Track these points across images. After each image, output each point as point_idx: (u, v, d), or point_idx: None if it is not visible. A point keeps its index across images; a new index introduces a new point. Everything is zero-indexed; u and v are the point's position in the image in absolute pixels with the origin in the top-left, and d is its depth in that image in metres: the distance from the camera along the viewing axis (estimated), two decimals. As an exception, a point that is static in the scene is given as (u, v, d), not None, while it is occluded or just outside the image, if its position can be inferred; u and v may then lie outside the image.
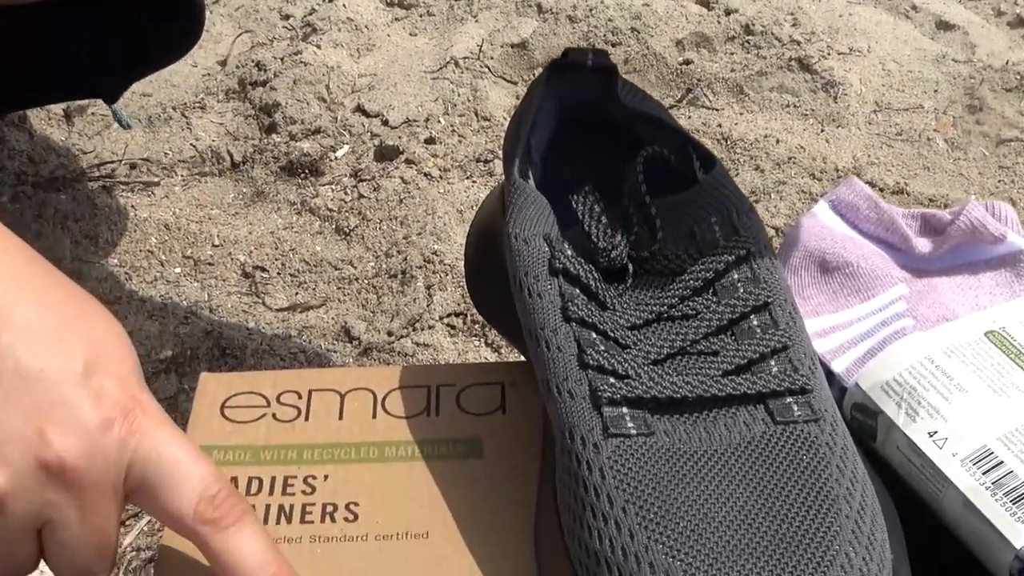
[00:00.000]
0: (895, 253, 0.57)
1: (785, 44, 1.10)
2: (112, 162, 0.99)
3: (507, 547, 0.45)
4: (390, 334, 0.82)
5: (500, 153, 0.93)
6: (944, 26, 1.15)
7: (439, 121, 1.02)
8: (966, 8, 1.18)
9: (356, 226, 0.91)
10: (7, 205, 0.93)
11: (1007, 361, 0.49)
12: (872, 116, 1.03)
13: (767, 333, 0.44)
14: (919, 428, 0.47)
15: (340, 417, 0.51)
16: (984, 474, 0.45)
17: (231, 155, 1.00)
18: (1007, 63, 1.09)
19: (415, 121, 1.02)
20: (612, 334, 0.44)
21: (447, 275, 0.86)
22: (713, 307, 0.44)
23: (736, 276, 0.45)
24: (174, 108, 1.05)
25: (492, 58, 1.10)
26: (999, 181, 0.96)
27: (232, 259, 0.89)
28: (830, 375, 0.51)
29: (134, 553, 0.65)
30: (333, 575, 0.44)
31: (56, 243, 0.90)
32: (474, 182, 0.96)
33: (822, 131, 1.01)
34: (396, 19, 1.15)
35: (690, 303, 0.45)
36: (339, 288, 0.87)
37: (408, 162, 0.97)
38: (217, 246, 0.91)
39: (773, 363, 0.43)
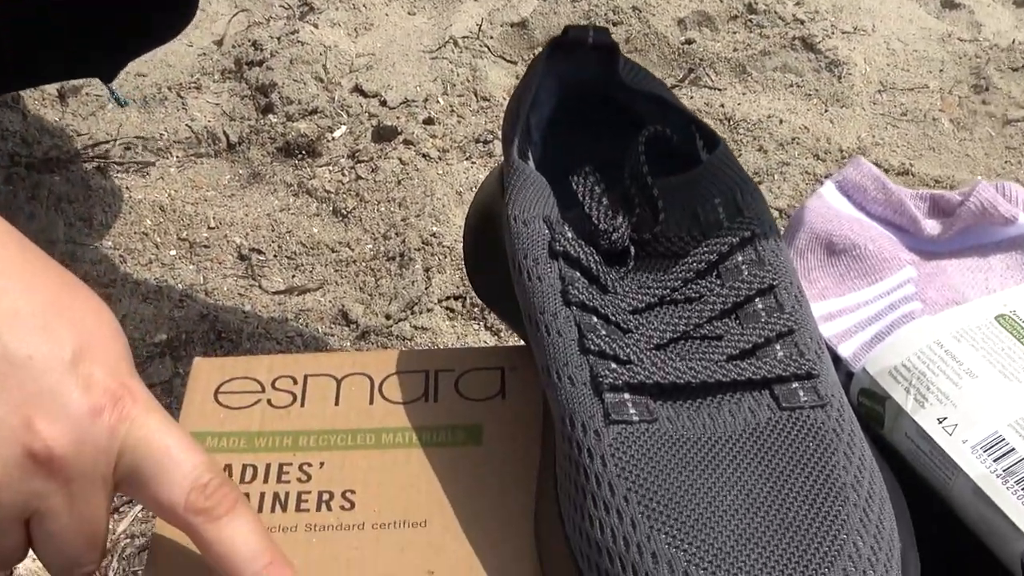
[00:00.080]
0: (903, 235, 0.56)
1: (788, 23, 1.09)
2: (107, 143, 0.98)
3: (506, 535, 0.44)
4: (388, 317, 0.82)
5: (499, 133, 0.93)
6: (949, 4, 1.14)
7: (438, 101, 1.02)
8: (972, -14, 1.17)
9: (354, 208, 0.91)
10: (0, 187, 0.92)
11: (1018, 345, 0.48)
12: (877, 96, 1.03)
13: (772, 317, 0.43)
14: (928, 414, 0.46)
15: (336, 403, 0.51)
16: (995, 461, 0.44)
17: (227, 136, 0.99)
18: (1013, 42, 1.08)
19: (414, 101, 1.01)
20: (613, 318, 0.43)
21: (446, 257, 0.85)
22: (717, 290, 0.44)
23: (740, 258, 0.44)
24: (169, 88, 1.05)
25: (492, 37, 1.09)
26: (1005, 162, 0.96)
27: (228, 241, 0.89)
28: (836, 360, 0.51)
29: (128, 540, 0.64)
30: (329, 565, 0.44)
31: (50, 225, 0.89)
32: (473, 163, 0.95)
33: (826, 111, 1.00)
34: (394, -2, 1.14)
35: (693, 286, 0.44)
36: (336, 271, 0.86)
37: (406, 143, 0.97)
38: (213, 228, 0.90)
39: (778, 347, 0.43)
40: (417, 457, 0.48)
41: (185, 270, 0.86)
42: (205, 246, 0.88)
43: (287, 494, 0.47)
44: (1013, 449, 0.44)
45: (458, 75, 1.04)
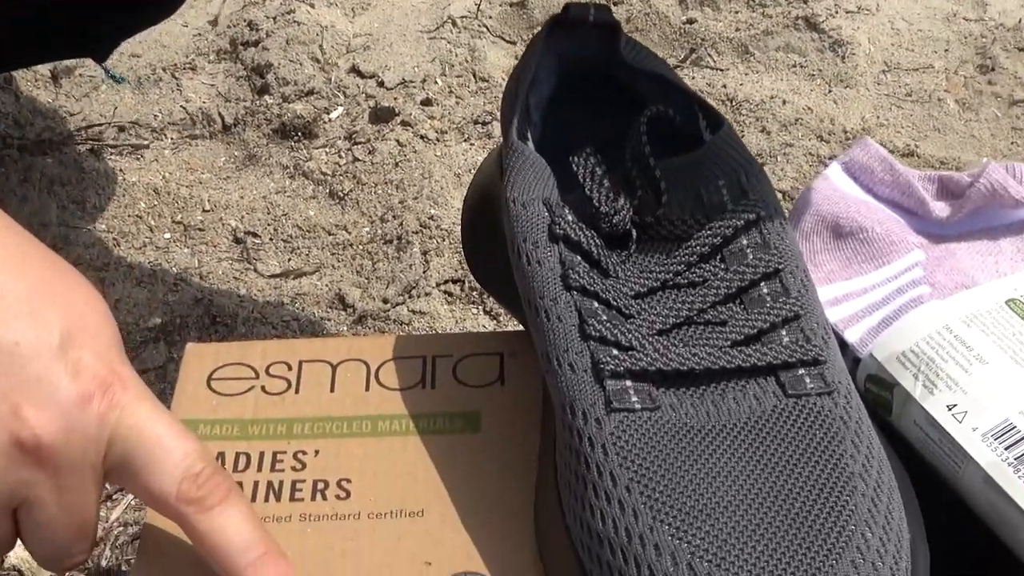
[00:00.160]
0: (911, 218, 0.55)
1: (792, 2, 1.08)
2: (100, 125, 0.97)
3: (505, 525, 0.43)
4: (385, 301, 0.81)
5: (498, 115, 0.92)
6: (954, -17, 1.13)
7: (436, 82, 1.01)
8: (977, -35, 1.16)
9: (350, 190, 0.90)
10: (-8, 169, 0.91)
11: (1029, 330, 0.47)
12: (881, 76, 1.02)
13: (778, 301, 0.42)
14: (937, 401, 0.45)
15: (332, 389, 0.50)
16: (1006, 449, 0.43)
17: (222, 117, 0.98)
18: (1020, 22, 1.07)
19: (411, 82, 1.00)
20: (615, 303, 0.42)
21: (444, 241, 0.85)
22: (721, 274, 0.43)
23: (745, 241, 0.44)
24: (164, 69, 1.04)
25: (491, 17, 1.08)
26: (1012, 143, 0.95)
27: (223, 224, 0.88)
28: (843, 345, 0.50)
29: (121, 528, 0.64)
30: (324, 555, 0.43)
31: (42, 208, 0.88)
32: (472, 145, 0.95)
33: (830, 92, 1.00)
34: (392, -23, 1.13)
35: (697, 270, 0.43)
36: (333, 254, 0.85)
37: (404, 124, 0.96)
38: (208, 211, 0.89)
39: (784, 333, 0.42)
40: (414, 445, 0.47)
41: (179, 253, 0.85)
42: (200, 229, 0.88)
43: (281, 483, 0.46)
44: (1024, 437, 0.43)
45: (456, 55, 1.03)
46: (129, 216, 0.89)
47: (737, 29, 1.06)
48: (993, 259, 0.52)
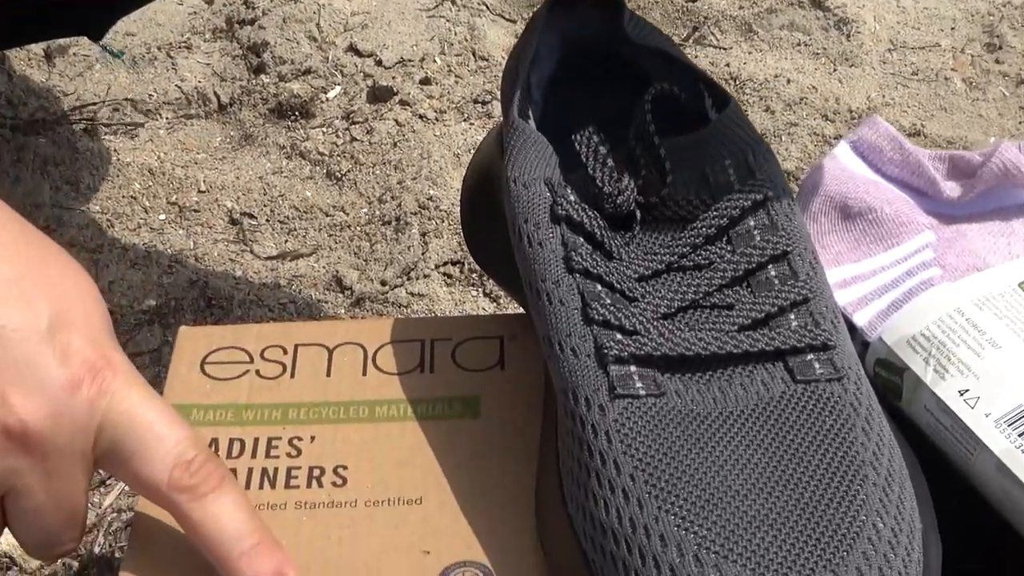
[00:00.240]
0: (921, 198, 0.54)
1: (795, -21, 1.07)
2: (94, 104, 0.96)
3: (505, 513, 0.43)
4: (383, 283, 0.80)
5: (498, 94, 0.91)
6: (961, -39, 1.12)
7: (435, 61, 1.00)
8: (984, -58, 1.15)
9: (348, 171, 0.89)
10: (-15, 149, 0.90)
11: (1043, 314, 0.46)
12: (887, 55, 1.01)
13: (786, 284, 0.41)
14: (949, 386, 0.44)
15: (328, 374, 0.49)
16: (1020, 435, 0.42)
17: (218, 97, 0.97)
18: (1027, -1, 1.06)
19: (410, 61, 0.99)
20: (619, 286, 0.41)
21: (443, 222, 0.84)
22: (727, 256, 0.42)
23: (752, 223, 0.43)
24: (159, 48, 1.03)
25: (490, -5, 1.07)
26: (1020, 122, 0.94)
27: (219, 205, 0.87)
28: (852, 329, 0.49)
29: (115, 515, 0.63)
30: (320, 544, 0.42)
31: (35, 188, 0.87)
32: (471, 124, 0.94)
33: (835, 71, 0.98)
34: (390, -46, 1.12)
35: (702, 252, 0.42)
36: (330, 235, 0.85)
37: (403, 104, 0.95)
38: (203, 192, 0.88)
39: (793, 317, 0.41)
40: (412, 431, 0.46)
41: (175, 235, 0.85)
42: (195, 210, 0.87)
43: (276, 470, 0.45)
44: (1039, 423, 0.42)
45: (456, 34, 1.02)
46: (123, 197, 0.88)
47: (740, 7, 1.05)
48: (1006, 240, 0.51)
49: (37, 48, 1.01)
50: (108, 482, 0.64)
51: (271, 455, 0.46)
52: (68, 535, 0.40)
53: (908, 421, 0.46)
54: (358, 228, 0.85)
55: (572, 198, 0.43)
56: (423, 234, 0.83)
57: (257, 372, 0.49)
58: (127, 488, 0.64)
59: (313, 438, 0.46)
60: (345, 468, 0.45)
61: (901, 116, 0.93)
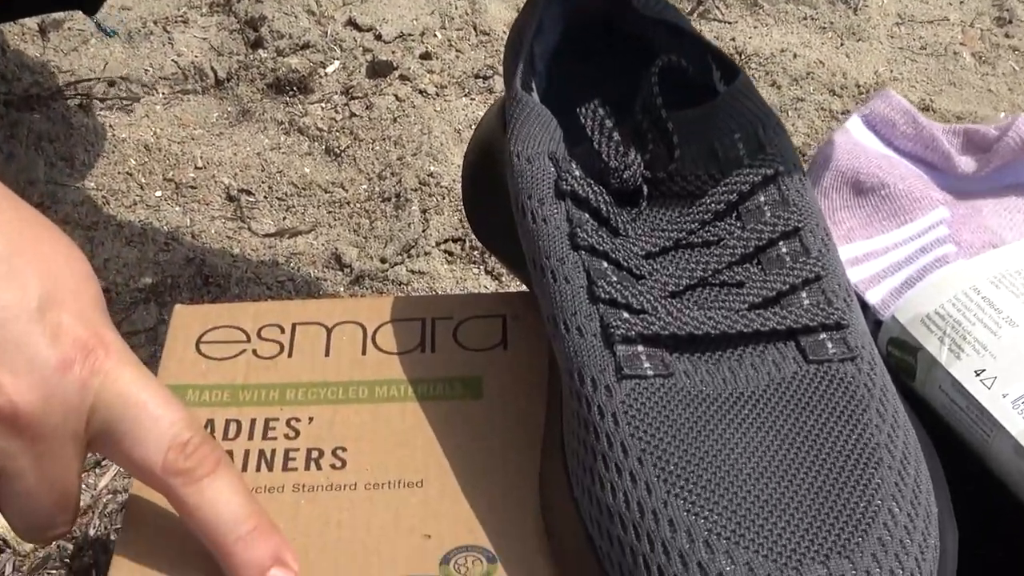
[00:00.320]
0: (935, 173, 0.53)
1: (802, -48, 1.06)
2: (89, 79, 0.95)
3: (508, 497, 0.42)
4: (383, 261, 0.79)
5: (500, 69, 0.90)
6: (970, -67, 1.10)
7: (435, 35, 0.99)
8: (993, -86, 1.13)
9: (347, 147, 0.88)
10: (-22, 125, 0.89)
11: (1061, 292, 0.45)
12: (894, 29, 1.00)
13: (798, 262, 0.40)
14: (964, 366, 0.43)
15: (326, 353, 0.48)
16: (1038, 418, 0.41)
17: (215, 72, 0.96)
18: (1037, -27, 1.04)
19: (410, 35, 0.98)
20: (625, 263, 0.40)
21: (444, 198, 0.83)
22: (737, 233, 0.41)
23: (762, 198, 0.42)
24: (155, 22, 1.02)
25: (491, -32, 1.06)
26: (1030, 97, 0.93)
27: (216, 182, 0.86)
28: (864, 307, 0.48)
29: (110, 496, 0.62)
30: (318, 527, 0.41)
31: (30, 165, 0.86)
32: (472, 99, 0.93)
33: (842, 45, 0.97)
34: (389, -73, 1.11)
35: (711, 228, 0.41)
36: (329, 212, 0.84)
37: (402, 79, 0.94)
38: (200, 168, 0.88)
39: (804, 295, 0.40)
40: (413, 411, 0.45)
41: (171, 212, 0.84)
42: (192, 187, 0.86)
43: (273, 452, 0.44)
44: (1057, 404, 0.41)
45: (456, 8, 1.01)
46: (119, 173, 0.87)
47: (746, -20, 1.04)
48: (1022, 216, 0.50)
49: (31, 22, 1.00)
50: (103, 463, 0.63)
51: (268, 437, 0.45)
52: (61, 518, 0.40)
53: (922, 402, 0.45)
54: (357, 205, 0.84)
55: (577, 173, 0.42)
56: (424, 211, 0.82)
57: (254, 351, 0.48)
58: (122, 470, 0.63)
59: (311, 419, 0.45)
60: (344, 450, 0.44)
61: (910, 91, 0.92)
